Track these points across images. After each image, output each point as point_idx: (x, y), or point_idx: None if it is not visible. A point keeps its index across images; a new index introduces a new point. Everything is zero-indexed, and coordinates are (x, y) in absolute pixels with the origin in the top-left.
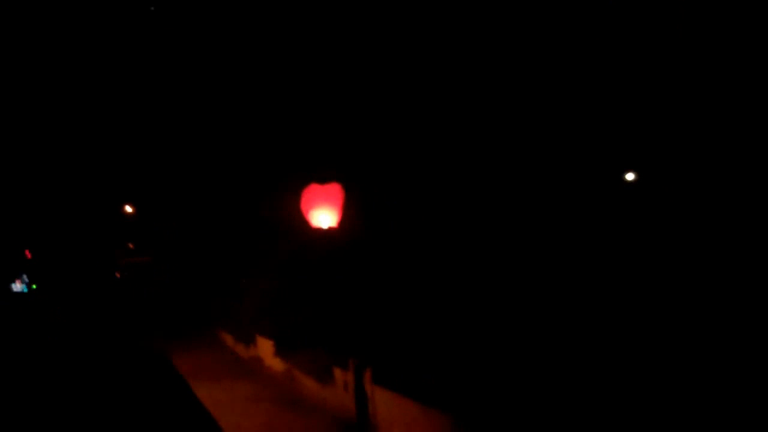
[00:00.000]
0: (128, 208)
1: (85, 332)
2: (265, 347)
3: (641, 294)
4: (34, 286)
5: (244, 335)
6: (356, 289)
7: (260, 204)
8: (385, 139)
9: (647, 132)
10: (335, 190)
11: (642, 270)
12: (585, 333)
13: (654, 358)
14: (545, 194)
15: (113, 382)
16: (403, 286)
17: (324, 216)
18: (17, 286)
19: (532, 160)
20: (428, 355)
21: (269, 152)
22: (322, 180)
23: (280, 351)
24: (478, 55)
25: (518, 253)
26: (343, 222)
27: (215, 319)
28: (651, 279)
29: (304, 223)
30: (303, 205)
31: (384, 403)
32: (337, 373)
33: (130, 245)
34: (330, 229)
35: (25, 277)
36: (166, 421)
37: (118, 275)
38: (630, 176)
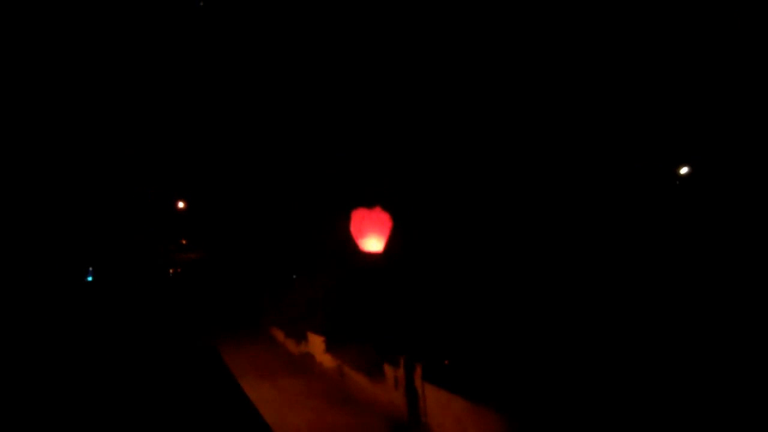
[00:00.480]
0: (181, 204)
1: (137, 327)
2: (315, 343)
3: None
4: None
5: (295, 331)
6: (406, 288)
7: (313, 208)
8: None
9: (702, 123)
10: (383, 217)
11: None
12: (634, 339)
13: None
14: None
15: (162, 376)
16: (451, 286)
17: (372, 242)
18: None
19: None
20: (479, 353)
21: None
22: (370, 205)
23: (331, 347)
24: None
25: (561, 253)
26: (388, 247)
27: (266, 315)
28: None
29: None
30: (352, 228)
31: (434, 400)
32: (388, 370)
33: (183, 241)
34: (377, 254)
35: (91, 269)
36: (213, 416)
37: (171, 271)
38: (684, 170)
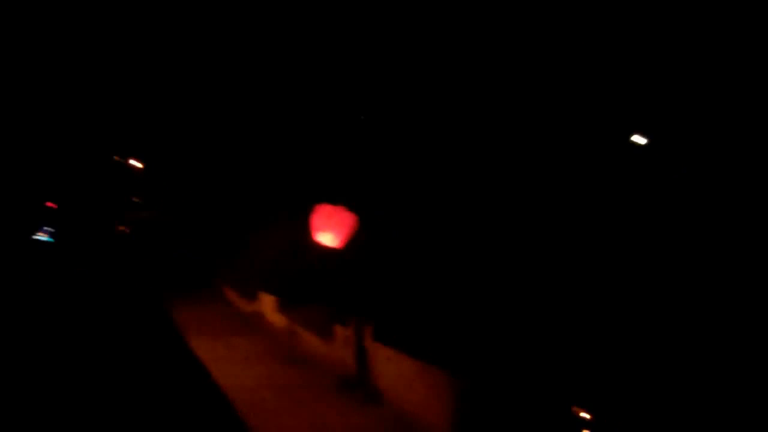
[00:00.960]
0: (135, 163)
1: (84, 285)
2: (267, 303)
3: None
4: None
5: (248, 291)
6: (357, 250)
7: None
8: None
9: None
10: (346, 216)
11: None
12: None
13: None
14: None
15: (105, 336)
16: (401, 247)
17: (329, 237)
18: (40, 236)
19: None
20: (427, 314)
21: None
22: (334, 201)
23: (283, 307)
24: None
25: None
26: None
27: (219, 275)
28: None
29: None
30: (313, 221)
31: (383, 359)
32: (338, 329)
33: (135, 199)
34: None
35: (47, 228)
36: (159, 377)
37: (123, 228)
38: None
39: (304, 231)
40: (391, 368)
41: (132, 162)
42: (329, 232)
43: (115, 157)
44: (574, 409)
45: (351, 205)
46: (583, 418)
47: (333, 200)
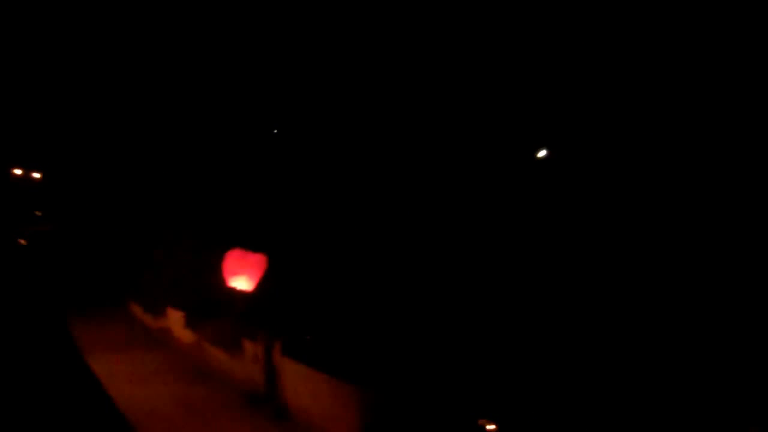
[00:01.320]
0: (36, 175)
1: None
2: (175, 318)
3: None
4: None
5: (154, 307)
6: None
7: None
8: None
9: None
10: (258, 259)
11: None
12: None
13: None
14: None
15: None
16: (311, 263)
17: (242, 282)
18: None
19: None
20: (335, 328)
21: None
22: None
23: (191, 322)
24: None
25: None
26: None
27: (125, 290)
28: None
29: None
30: (224, 267)
31: (293, 374)
32: (247, 344)
33: (37, 213)
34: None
35: None
36: (52, 397)
37: (23, 242)
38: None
39: (210, 248)
40: (300, 383)
41: (33, 174)
42: (242, 276)
43: (15, 169)
44: (481, 422)
45: (261, 247)
46: (489, 431)
47: (243, 244)
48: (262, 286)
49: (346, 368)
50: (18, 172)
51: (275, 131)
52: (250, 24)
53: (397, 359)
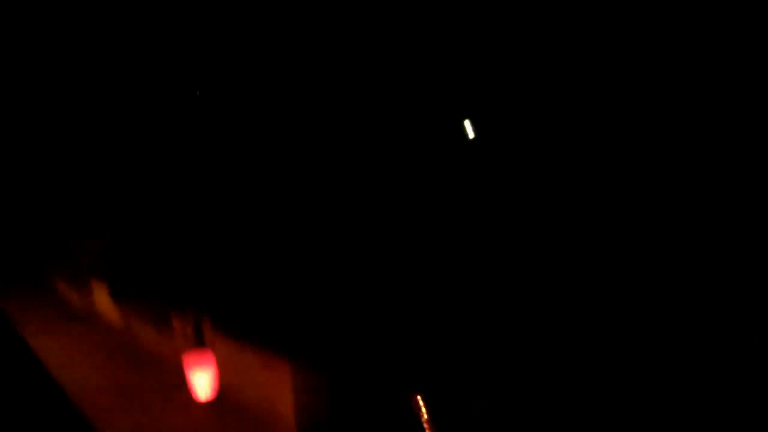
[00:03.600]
0: None
1: None
2: (101, 295)
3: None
4: None
5: (80, 282)
6: (197, 238)
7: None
8: None
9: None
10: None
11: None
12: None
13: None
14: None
15: None
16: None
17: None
18: None
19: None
20: (271, 304)
21: None
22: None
23: (118, 299)
24: None
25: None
26: None
27: (48, 265)
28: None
29: None
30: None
31: (225, 350)
32: (176, 322)
33: None
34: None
35: None
36: None
37: None
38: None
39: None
40: (234, 361)
41: None
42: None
43: None
44: (418, 396)
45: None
46: (427, 406)
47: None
48: (188, 255)
49: (282, 344)
50: None
51: (197, 93)
52: None
53: (333, 333)
